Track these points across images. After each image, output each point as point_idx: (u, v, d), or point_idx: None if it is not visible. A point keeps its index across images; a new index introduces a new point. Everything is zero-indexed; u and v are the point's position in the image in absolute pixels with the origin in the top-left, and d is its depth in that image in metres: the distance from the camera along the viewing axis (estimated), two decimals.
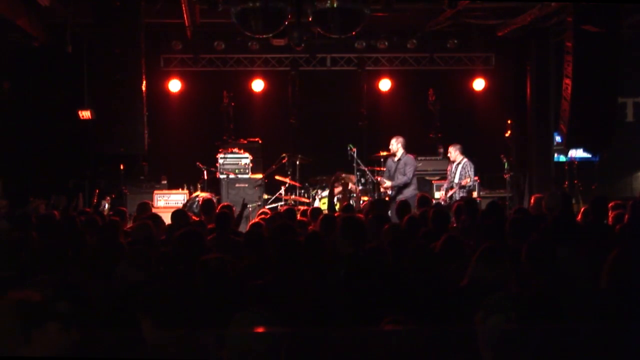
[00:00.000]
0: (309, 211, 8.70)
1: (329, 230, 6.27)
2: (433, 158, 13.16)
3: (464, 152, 11.23)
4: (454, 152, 11.23)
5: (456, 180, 11.10)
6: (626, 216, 6.78)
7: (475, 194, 11.29)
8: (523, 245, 4.53)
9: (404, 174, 10.98)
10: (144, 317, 3.34)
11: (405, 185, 10.94)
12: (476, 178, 11.34)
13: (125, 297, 4.27)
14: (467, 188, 11.00)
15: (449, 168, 11.44)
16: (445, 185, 11.54)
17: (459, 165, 11.12)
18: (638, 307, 3.86)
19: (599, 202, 7.32)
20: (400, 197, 10.41)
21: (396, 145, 11.21)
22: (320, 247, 5.24)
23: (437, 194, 12.17)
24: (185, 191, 12.23)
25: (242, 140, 13.14)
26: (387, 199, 10.84)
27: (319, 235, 5.68)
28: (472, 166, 11.08)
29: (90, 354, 3.13)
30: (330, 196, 10.53)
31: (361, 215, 7.41)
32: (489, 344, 2.92)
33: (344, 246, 5.25)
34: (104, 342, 3.23)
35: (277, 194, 12.24)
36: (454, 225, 7.44)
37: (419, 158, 12.99)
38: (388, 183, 11.16)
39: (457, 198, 10.76)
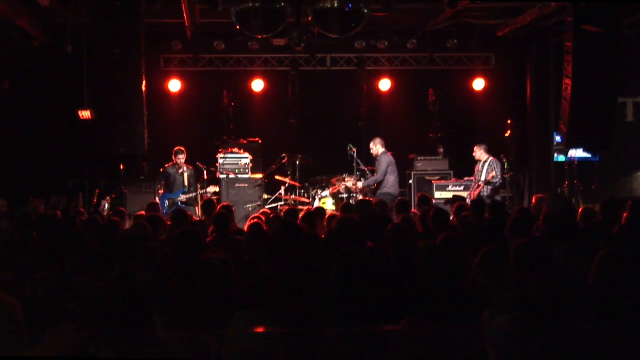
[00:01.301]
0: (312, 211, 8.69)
1: (309, 226, 6.35)
2: (433, 158, 13.14)
3: (489, 151, 11.45)
4: (479, 152, 11.52)
5: (482, 178, 11.31)
6: (624, 215, 6.76)
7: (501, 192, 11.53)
8: (518, 245, 4.52)
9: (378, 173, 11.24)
10: (158, 316, 3.34)
11: (379, 184, 11.10)
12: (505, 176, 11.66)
13: (130, 295, 4.27)
14: (492, 184, 11.20)
15: (476, 168, 11.67)
16: (472, 185, 11.74)
17: (486, 164, 11.39)
18: (629, 305, 3.86)
19: (611, 204, 7.24)
20: (378, 197, 10.79)
21: (375, 148, 11.55)
22: (316, 246, 5.25)
23: (438, 194, 12.20)
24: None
25: (242, 140, 13.13)
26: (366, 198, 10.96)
27: (315, 234, 5.68)
28: (499, 164, 11.38)
29: (98, 353, 3.13)
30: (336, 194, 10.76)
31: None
32: (494, 343, 2.92)
33: (340, 245, 5.27)
34: (110, 341, 3.23)
35: (277, 194, 12.23)
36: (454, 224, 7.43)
37: (419, 158, 13.00)
38: (360, 184, 11.42)
39: (485, 195, 11.07)
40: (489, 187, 11.23)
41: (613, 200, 7.43)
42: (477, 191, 11.30)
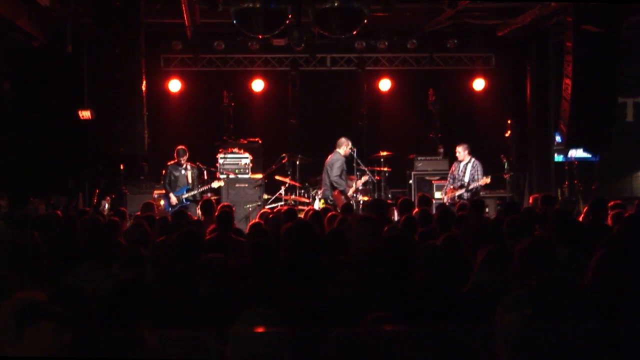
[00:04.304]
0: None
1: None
2: (433, 158, 13.14)
3: (472, 152, 11.24)
4: (462, 152, 11.19)
5: (466, 179, 11.07)
6: (626, 215, 6.77)
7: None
8: (522, 245, 4.53)
9: None
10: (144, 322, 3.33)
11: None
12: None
13: (123, 297, 4.27)
14: (473, 190, 10.98)
15: (453, 167, 11.41)
16: (449, 185, 11.45)
17: (468, 165, 11.10)
18: (625, 304, 3.87)
19: (598, 204, 7.34)
20: None
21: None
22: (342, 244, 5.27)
23: (438, 194, 12.12)
24: None
25: (242, 140, 13.12)
26: None
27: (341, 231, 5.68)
28: (481, 166, 11.10)
29: (85, 354, 3.13)
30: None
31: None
32: (505, 341, 2.94)
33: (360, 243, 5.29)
34: (99, 343, 3.23)
35: (277, 194, 12.23)
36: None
37: (419, 158, 13.01)
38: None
39: (465, 198, 10.79)
40: (470, 192, 10.94)
41: (600, 200, 7.49)
42: (459, 192, 11.01)
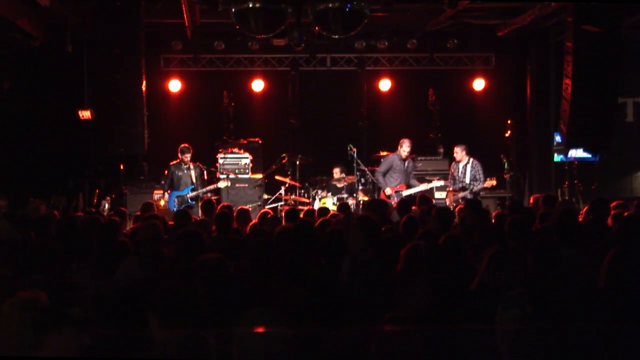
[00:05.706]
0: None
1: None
2: (433, 158, 13.14)
3: (470, 153, 11.22)
4: (460, 152, 11.17)
5: (467, 180, 11.05)
6: (626, 214, 6.76)
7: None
8: (527, 246, 4.54)
9: None
10: (153, 316, 3.33)
11: None
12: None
13: (131, 295, 4.27)
14: (477, 191, 10.97)
15: (452, 168, 11.40)
16: (451, 186, 11.40)
17: (468, 165, 11.09)
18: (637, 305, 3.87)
19: (598, 204, 7.33)
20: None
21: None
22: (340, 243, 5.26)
23: (439, 195, 12.08)
24: None
25: (242, 140, 13.13)
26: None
27: (339, 232, 5.68)
28: (481, 166, 11.09)
29: (98, 355, 3.13)
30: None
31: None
32: (506, 338, 2.94)
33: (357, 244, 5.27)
34: (110, 343, 3.22)
35: (277, 194, 12.23)
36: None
37: (419, 158, 12.99)
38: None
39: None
40: (474, 194, 10.92)
41: (601, 200, 7.50)
42: (459, 194, 10.94)
